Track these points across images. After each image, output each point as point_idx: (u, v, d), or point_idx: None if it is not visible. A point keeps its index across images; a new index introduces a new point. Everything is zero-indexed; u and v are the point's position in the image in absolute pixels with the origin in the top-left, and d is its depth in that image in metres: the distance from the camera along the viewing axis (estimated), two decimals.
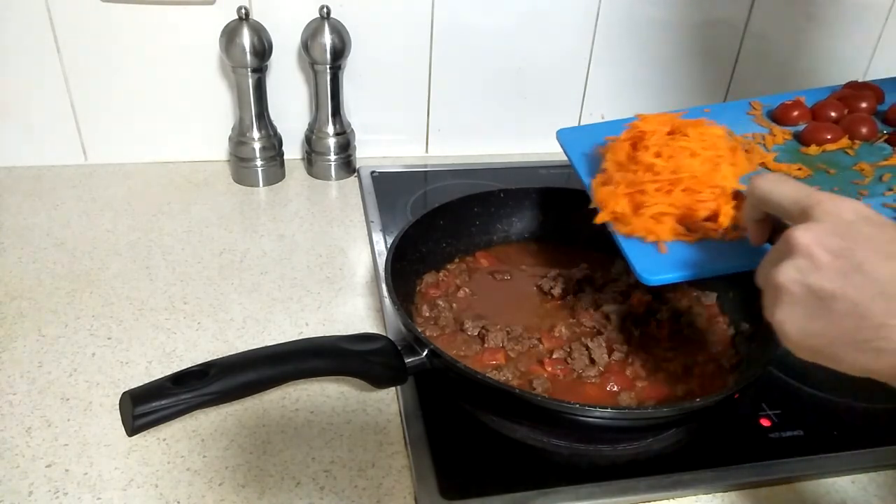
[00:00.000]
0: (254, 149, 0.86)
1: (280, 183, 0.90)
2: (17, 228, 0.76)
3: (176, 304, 0.66)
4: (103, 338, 0.61)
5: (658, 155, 0.55)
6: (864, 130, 0.64)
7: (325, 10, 0.81)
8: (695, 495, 0.49)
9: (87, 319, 0.63)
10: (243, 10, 0.79)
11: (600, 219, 0.57)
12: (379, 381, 0.52)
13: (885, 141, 0.64)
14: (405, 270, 0.64)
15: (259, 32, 0.81)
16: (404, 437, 0.52)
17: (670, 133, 0.57)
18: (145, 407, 0.41)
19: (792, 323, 0.37)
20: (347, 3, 0.86)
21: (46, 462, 0.49)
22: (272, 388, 0.49)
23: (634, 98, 1.03)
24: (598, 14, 0.95)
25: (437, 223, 0.68)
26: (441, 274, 0.67)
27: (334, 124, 0.89)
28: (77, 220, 0.79)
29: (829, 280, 0.35)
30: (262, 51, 0.81)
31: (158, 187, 0.87)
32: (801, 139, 0.65)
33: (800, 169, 0.61)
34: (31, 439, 0.50)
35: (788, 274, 0.37)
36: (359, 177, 0.93)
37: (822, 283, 0.35)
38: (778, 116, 0.69)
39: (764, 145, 0.65)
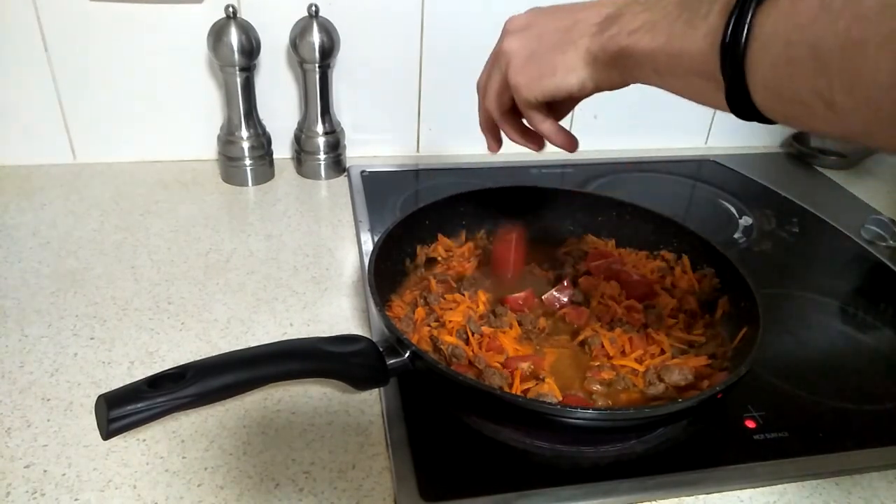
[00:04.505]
0: (242, 148, 0.86)
1: (269, 182, 0.90)
2: (3, 227, 0.76)
3: (160, 304, 0.65)
4: (86, 338, 0.60)
5: None
6: None
7: (313, 8, 0.81)
8: (678, 497, 0.49)
9: (70, 319, 0.62)
10: (231, 9, 0.79)
11: None
12: (359, 383, 0.52)
13: None
14: (390, 270, 0.63)
15: (247, 31, 0.80)
16: (386, 439, 0.52)
17: None
18: (120, 410, 0.41)
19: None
20: (336, 2, 0.85)
21: (25, 463, 0.48)
22: (251, 390, 0.48)
23: (626, 99, 1.03)
24: None
25: (422, 223, 0.68)
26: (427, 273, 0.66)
27: (324, 123, 0.89)
28: (63, 220, 0.78)
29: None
30: (250, 49, 0.81)
31: (146, 187, 0.87)
32: None
33: None
34: (11, 440, 0.50)
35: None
36: (349, 176, 0.92)
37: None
38: None
39: None
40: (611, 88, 0.49)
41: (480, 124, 0.59)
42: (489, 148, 0.60)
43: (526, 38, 0.50)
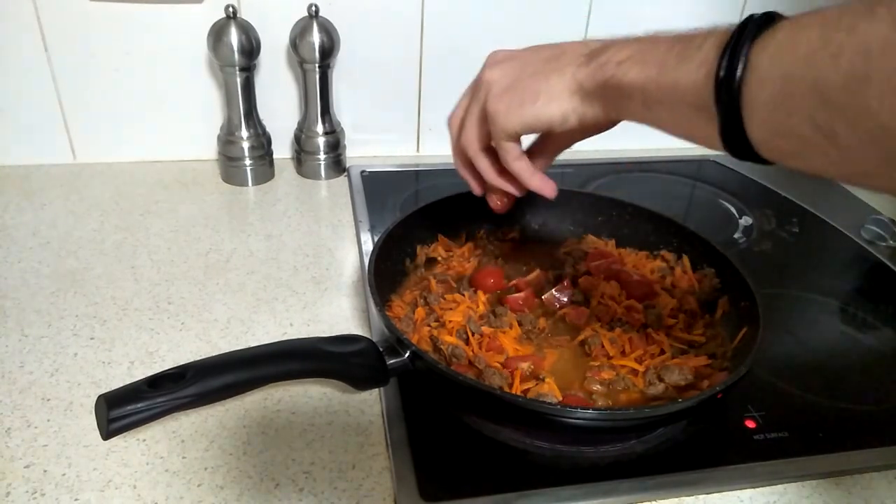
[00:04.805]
0: (242, 148, 0.86)
1: (269, 182, 0.90)
2: (3, 227, 0.76)
3: (160, 304, 0.65)
4: (86, 338, 0.60)
5: None
6: None
7: (313, 8, 0.81)
8: (678, 497, 0.49)
9: (70, 319, 0.62)
10: (231, 9, 0.79)
11: None
12: (359, 383, 0.52)
13: None
14: (390, 270, 0.63)
15: (247, 31, 0.80)
16: (386, 439, 0.52)
17: None
18: (120, 410, 0.41)
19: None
20: (336, 1, 0.85)
21: (25, 463, 0.48)
22: (251, 390, 0.48)
23: None
24: (589, 13, 0.94)
25: (422, 223, 0.68)
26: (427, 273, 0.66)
27: (324, 123, 0.89)
28: (64, 220, 0.78)
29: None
30: (250, 49, 0.81)
31: (146, 187, 0.87)
32: None
33: None
34: (11, 440, 0.50)
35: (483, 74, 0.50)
36: (349, 176, 0.92)
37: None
38: None
39: None
40: (594, 128, 0.47)
41: (456, 165, 0.55)
42: (473, 190, 0.57)
43: (509, 67, 0.48)
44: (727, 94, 0.33)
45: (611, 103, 0.43)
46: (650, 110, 0.40)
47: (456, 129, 0.53)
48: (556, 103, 0.45)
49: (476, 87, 0.51)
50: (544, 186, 0.52)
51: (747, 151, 0.35)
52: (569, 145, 0.54)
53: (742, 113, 0.33)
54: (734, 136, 0.34)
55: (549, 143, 0.54)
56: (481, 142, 0.52)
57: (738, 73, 0.32)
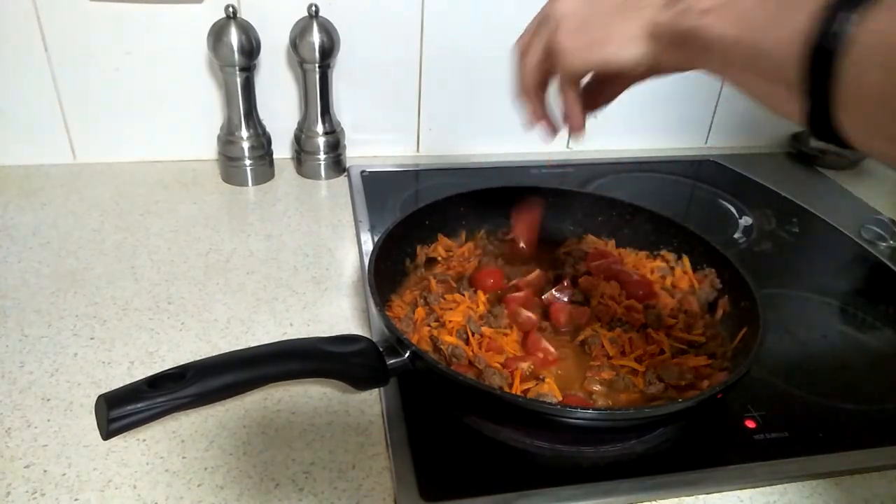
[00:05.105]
0: (242, 148, 0.86)
1: (269, 182, 0.90)
2: (3, 227, 0.76)
3: (160, 304, 0.65)
4: (86, 338, 0.60)
5: None
6: None
7: (313, 8, 0.81)
8: (678, 497, 0.49)
9: (70, 319, 0.62)
10: (231, 9, 0.79)
11: None
12: (359, 383, 0.52)
13: None
14: (390, 270, 0.64)
15: (247, 31, 0.81)
16: (386, 439, 0.52)
17: None
18: (120, 410, 0.41)
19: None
20: (336, 1, 0.85)
21: (25, 462, 0.48)
22: (251, 390, 0.48)
23: (626, 99, 1.03)
24: None
25: (422, 223, 0.68)
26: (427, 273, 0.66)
27: (324, 123, 0.89)
28: (64, 220, 0.78)
29: None
30: (250, 49, 0.81)
31: (146, 187, 0.87)
32: None
33: None
34: (11, 440, 0.50)
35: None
36: (349, 176, 0.92)
37: None
38: None
39: None
40: (668, 71, 0.43)
41: (521, 90, 0.52)
42: (530, 119, 0.53)
43: (582, 1, 0.45)
44: (819, 67, 0.29)
45: (689, 54, 0.39)
46: (730, 71, 0.36)
47: (519, 56, 0.51)
48: (631, 47, 0.42)
49: (544, 19, 0.47)
50: (581, 131, 0.50)
51: (831, 135, 0.30)
52: (625, 89, 0.51)
53: (833, 91, 0.29)
54: (820, 115, 0.30)
55: (607, 85, 0.51)
56: (540, 77, 0.49)
57: (838, 41, 0.28)
